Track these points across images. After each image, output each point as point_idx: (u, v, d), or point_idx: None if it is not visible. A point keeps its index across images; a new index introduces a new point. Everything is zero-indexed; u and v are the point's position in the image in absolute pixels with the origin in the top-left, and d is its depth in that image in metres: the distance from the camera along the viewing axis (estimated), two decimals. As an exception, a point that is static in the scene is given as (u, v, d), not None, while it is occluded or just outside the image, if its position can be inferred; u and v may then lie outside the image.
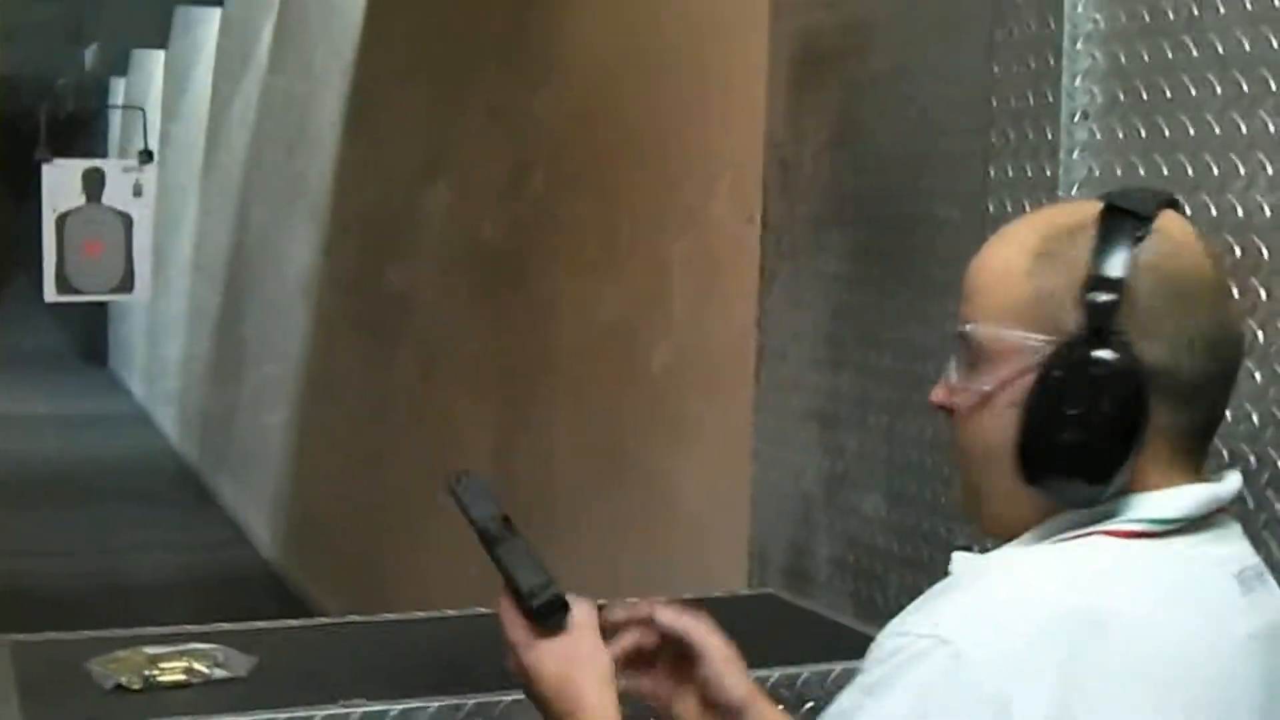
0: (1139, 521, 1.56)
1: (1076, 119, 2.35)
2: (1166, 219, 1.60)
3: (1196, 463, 1.62)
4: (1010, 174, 2.47)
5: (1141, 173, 2.22)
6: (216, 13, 12.39)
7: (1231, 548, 1.62)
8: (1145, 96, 2.23)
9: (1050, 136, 2.37)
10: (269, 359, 10.22)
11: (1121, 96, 2.28)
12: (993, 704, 1.44)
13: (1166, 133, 2.19)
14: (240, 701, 2.22)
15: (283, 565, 9.55)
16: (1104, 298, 1.55)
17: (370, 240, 7.94)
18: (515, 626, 1.80)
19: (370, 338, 7.85)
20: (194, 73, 13.44)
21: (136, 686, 2.25)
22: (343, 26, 8.33)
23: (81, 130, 16.95)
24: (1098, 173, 2.32)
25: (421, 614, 2.79)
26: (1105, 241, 1.58)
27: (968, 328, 1.63)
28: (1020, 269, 1.61)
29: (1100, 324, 1.55)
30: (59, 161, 7.15)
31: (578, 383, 5.14)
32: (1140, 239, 1.57)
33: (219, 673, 2.32)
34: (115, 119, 17.15)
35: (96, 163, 7.60)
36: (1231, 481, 1.64)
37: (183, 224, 13.73)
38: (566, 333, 5.24)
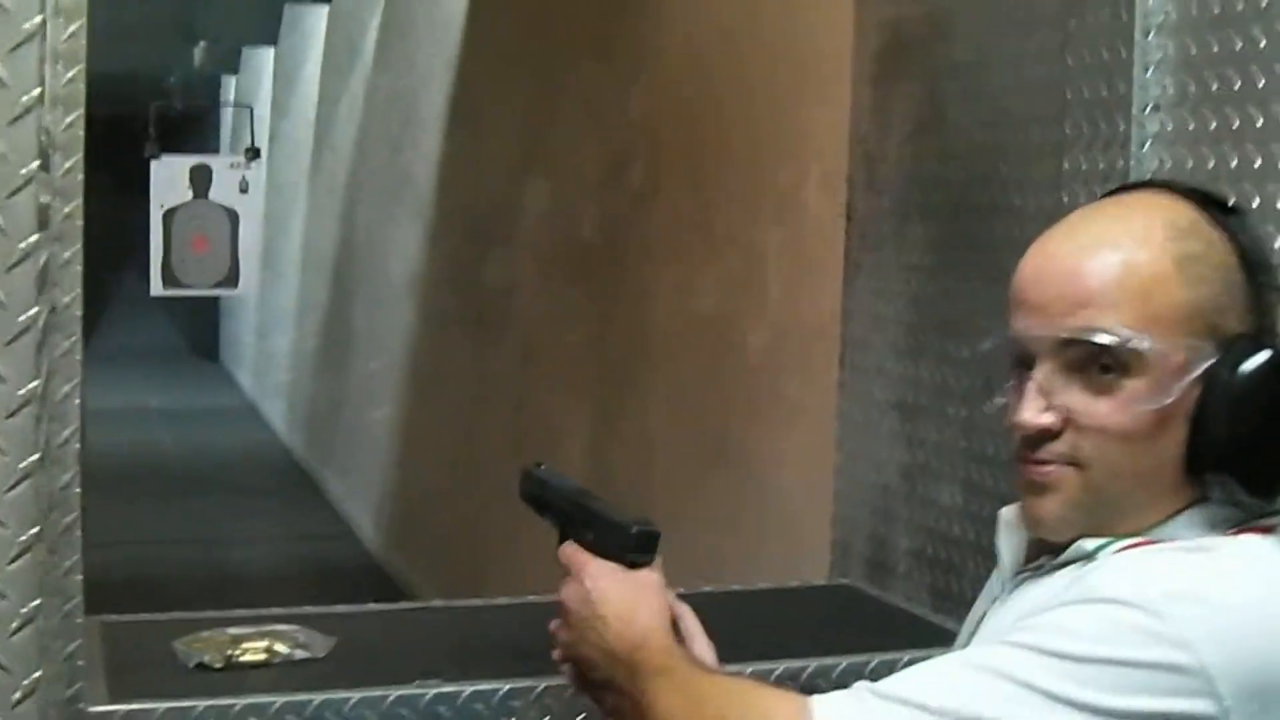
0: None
1: (1148, 110, 2.35)
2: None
3: None
4: (1084, 166, 2.47)
5: (1211, 165, 2.22)
6: (325, 10, 12.51)
7: None
8: (1215, 88, 2.23)
9: (1122, 128, 2.37)
10: (374, 353, 10.32)
11: (1192, 88, 2.28)
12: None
13: (1235, 124, 2.19)
14: (318, 681, 2.27)
15: (386, 557, 9.64)
16: (1273, 296, 1.57)
17: (472, 235, 8.00)
18: (584, 557, 1.84)
19: (472, 331, 7.92)
20: (302, 70, 13.58)
21: (218, 665, 2.31)
22: (446, 22, 8.40)
23: (194, 127, 17.15)
24: (1169, 164, 2.32)
25: (502, 599, 2.83)
26: (1239, 237, 1.58)
27: (1112, 338, 1.54)
28: (1167, 275, 1.55)
29: (1267, 321, 1.56)
30: (166, 158, 7.24)
31: (675, 372, 5.18)
32: (1253, 231, 1.61)
33: (299, 653, 2.37)
34: (227, 116, 17.36)
35: (203, 159, 7.71)
36: None
37: (292, 220, 13.88)
38: (662, 322, 5.28)
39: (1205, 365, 1.53)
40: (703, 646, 1.89)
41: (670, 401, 5.20)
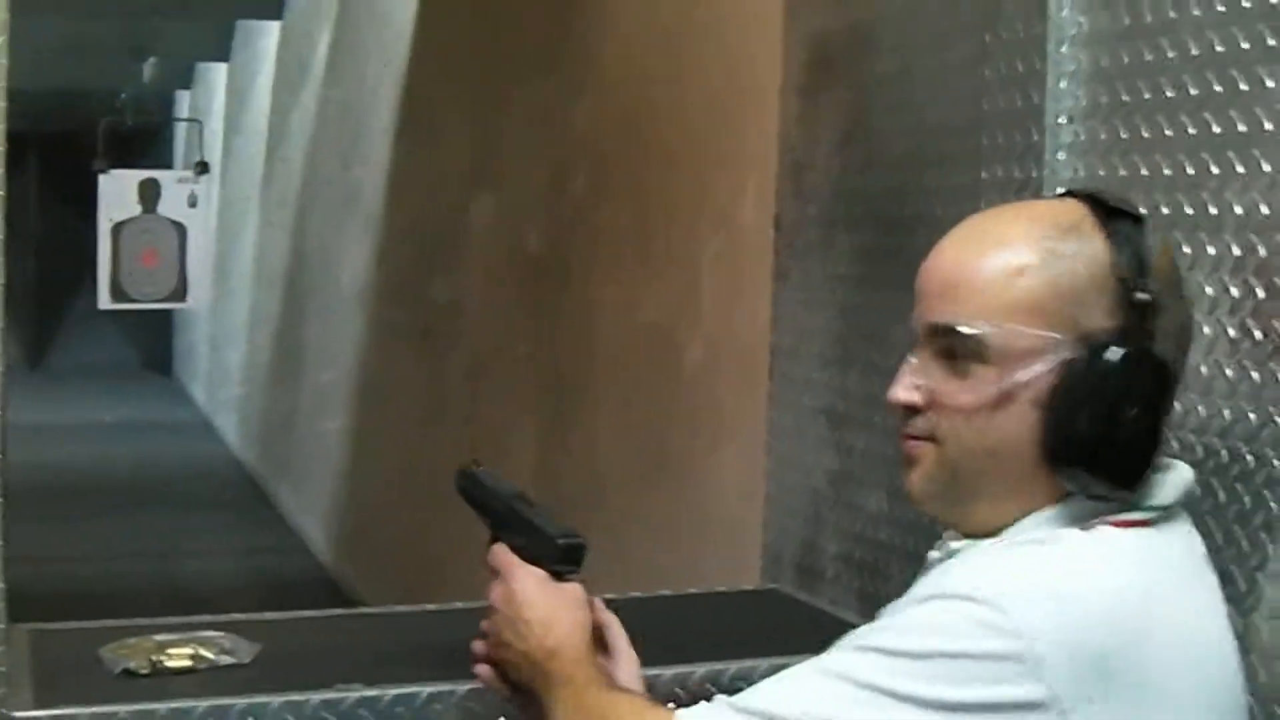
0: (1143, 510, 1.61)
1: (1062, 121, 2.40)
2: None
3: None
4: (1000, 175, 2.52)
5: (1123, 173, 2.26)
6: (276, 26, 12.52)
7: (1194, 533, 1.68)
8: (1126, 98, 2.27)
9: (1036, 138, 2.42)
10: (326, 366, 10.32)
11: (1104, 99, 2.32)
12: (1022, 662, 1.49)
13: (1145, 134, 2.23)
14: (241, 686, 2.29)
15: (337, 569, 9.64)
16: (1141, 296, 1.60)
17: (421, 248, 8.03)
18: (513, 562, 1.90)
19: (422, 344, 7.93)
20: (255, 85, 13.59)
21: (144, 671, 2.33)
22: (394, 37, 8.43)
23: (147, 143, 17.12)
24: (1082, 173, 2.36)
25: (430, 605, 2.86)
26: (1120, 240, 1.63)
27: (966, 326, 1.63)
28: (1028, 266, 1.62)
29: (1133, 322, 1.60)
30: (115, 172, 7.26)
31: (619, 384, 5.20)
32: (1142, 238, 1.63)
33: (225, 659, 2.39)
34: (180, 132, 17.33)
35: (152, 174, 7.71)
36: (1186, 468, 1.69)
37: (244, 234, 13.87)
38: (607, 335, 5.31)
39: (1061, 357, 1.59)
40: (626, 658, 1.95)
41: (615, 413, 5.22)
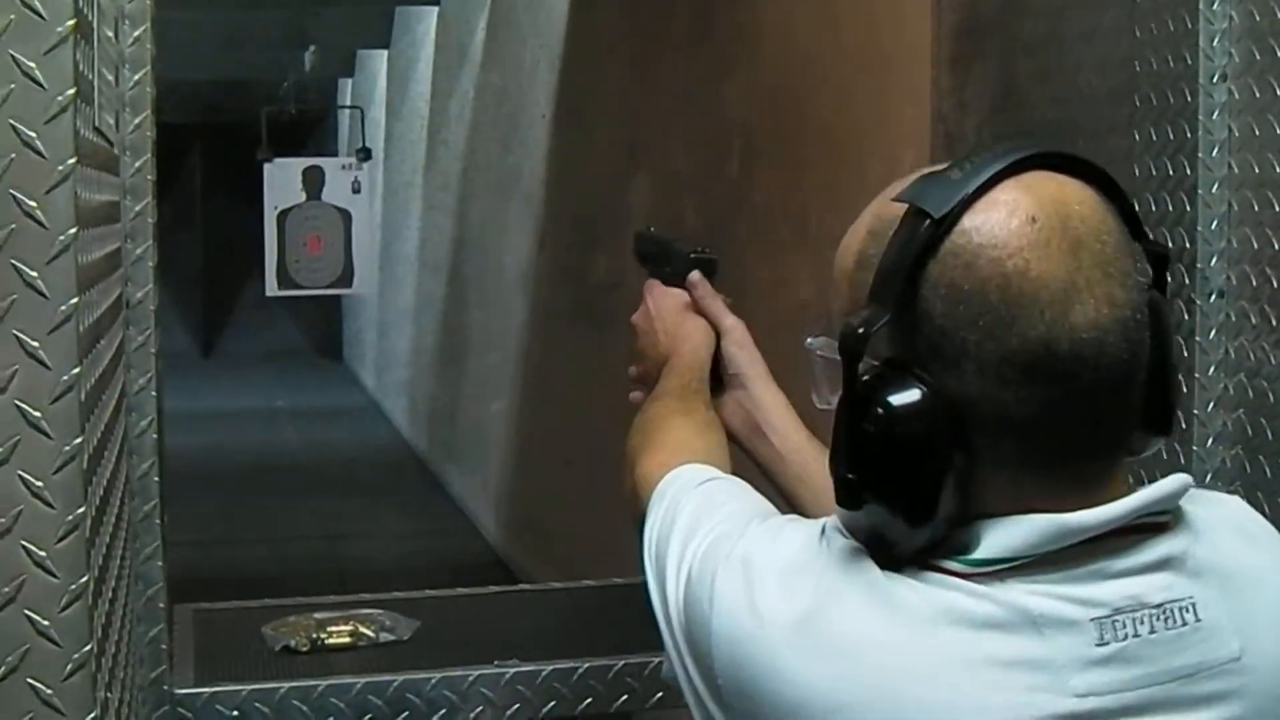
0: (963, 562, 1.35)
1: (1215, 80, 2.35)
2: (980, 211, 1.34)
3: (1076, 482, 1.37)
4: (1154, 137, 2.47)
5: (1278, 131, 2.22)
6: (434, 11, 12.61)
7: (1105, 587, 1.35)
8: (1279, 55, 2.23)
9: (1190, 99, 2.37)
10: (490, 349, 10.40)
11: (1257, 56, 2.27)
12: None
13: (1300, 91, 2.19)
14: (399, 662, 2.33)
15: (507, 552, 9.72)
16: (875, 328, 1.33)
17: (580, 230, 8.05)
18: (653, 284, 2.14)
19: (583, 326, 7.96)
20: (414, 71, 13.71)
21: (304, 649, 2.37)
22: (549, 19, 8.46)
23: (310, 131, 17.38)
24: (1236, 133, 2.31)
25: (588, 581, 2.88)
26: (894, 252, 1.34)
27: (807, 341, 1.50)
28: (845, 269, 1.43)
29: (888, 353, 1.35)
30: (279, 161, 7.37)
31: (774, 361, 5.19)
32: (930, 248, 1.33)
33: (384, 636, 2.43)
34: (343, 119, 17.54)
35: (316, 161, 7.81)
36: (1115, 507, 1.36)
37: (408, 219, 14.00)
38: (762, 313, 5.28)
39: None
40: (747, 357, 2.10)
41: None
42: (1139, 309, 1.36)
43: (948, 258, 1.32)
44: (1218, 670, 1.37)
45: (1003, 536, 1.34)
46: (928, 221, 1.33)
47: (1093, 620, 1.33)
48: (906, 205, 1.35)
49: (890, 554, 1.37)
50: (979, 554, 1.34)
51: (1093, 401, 1.34)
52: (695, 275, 2.13)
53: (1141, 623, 1.35)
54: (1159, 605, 1.36)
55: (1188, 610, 1.36)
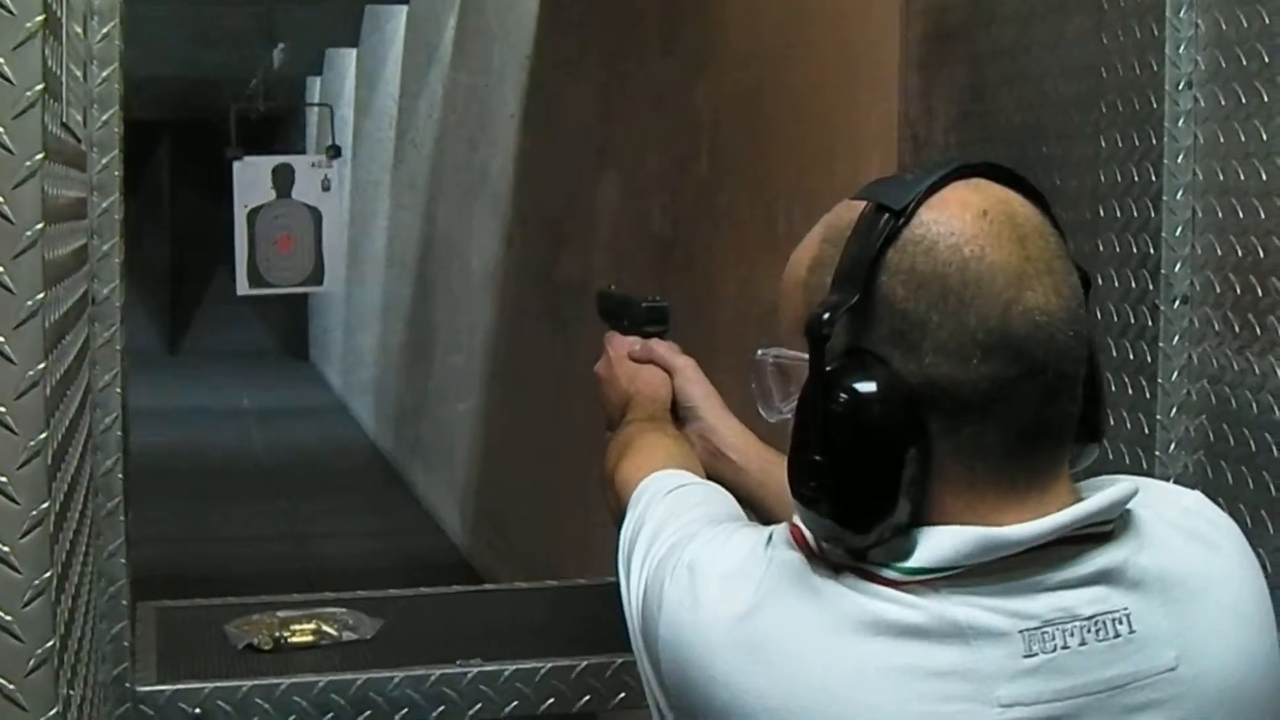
0: (898, 570, 1.37)
1: (1180, 86, 2.36)
2: (935, 206, 1.40)
3: (1025, 484, 1.40)
4: (1120, 143, 2.48)
5: (1242, 138, 2.23)
6: (404, 10, 12.61)
7: (1038, 600, 1.37)
8: (1245, 63, 2.24)
9: (1155, 105, 2.39)
10: (457, 349, 10.40)
11: (1223, 63, 2.29)
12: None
13: (1266, 98, 2.20)
14: (362, 661, 2.33)
15: (472, 552, 9.72)
16: (840, 313, 1.37)
17: (548, 230, 8.06)
18: (612, 334, 2.26)
19: (550, 326, 7.97)
20: (383, 70, 13.69)
21: (267, 647, 2.37)
22: (519, 20, 8.46)
23: (279, 129, 17.35)
24: (1202, 140, 2.33)
25: (550, 582, 2.88)
26: (855, 245, 1.40)
27: (757, 354, 1.52)
28: (798, 278, 1.47)
29: (849, 343, 1.38)
30: (249, 159, 7.35)
31: (742, 365, 5.20)
32: (891, 237, 1.38)
33: (347, 635, 2.43)
34: (311, 117, 17.51)
35: (285, 159, 7.79)
36: (1051, 520, 1.38)
37: (376, 218, 13.99)
38: (729, 314, 5.31)
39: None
40: (699, 391, 2.19)
41: (735, 391, 5.21)
42: (1081, 305, 1.42)
43: (908, 245, 1.38)
44: (1151, 680, 1.39)
45: (936, 547, 1.37)
46: (887, 215, 1.39)
47: (1021, 632, 1.36)
48: (859, 211, 1.42)
49: (835, 554, 1.40)
50: (913, 562, 1.37)
51: (1043, 384, 1.38)
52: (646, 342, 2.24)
53: (1071, 635, 1.37)
54: (1090, 617, 1.38)
55: (1121, 622, 1.39)
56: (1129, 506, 1.44)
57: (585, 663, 2.33)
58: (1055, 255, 1.41)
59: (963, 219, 1.38)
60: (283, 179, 7.52)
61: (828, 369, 1.38)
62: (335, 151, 7.69)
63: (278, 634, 2.39)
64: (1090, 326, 1.45)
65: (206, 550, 9.85)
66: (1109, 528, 1.42)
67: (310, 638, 2.41)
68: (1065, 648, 1.37)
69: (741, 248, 5.14)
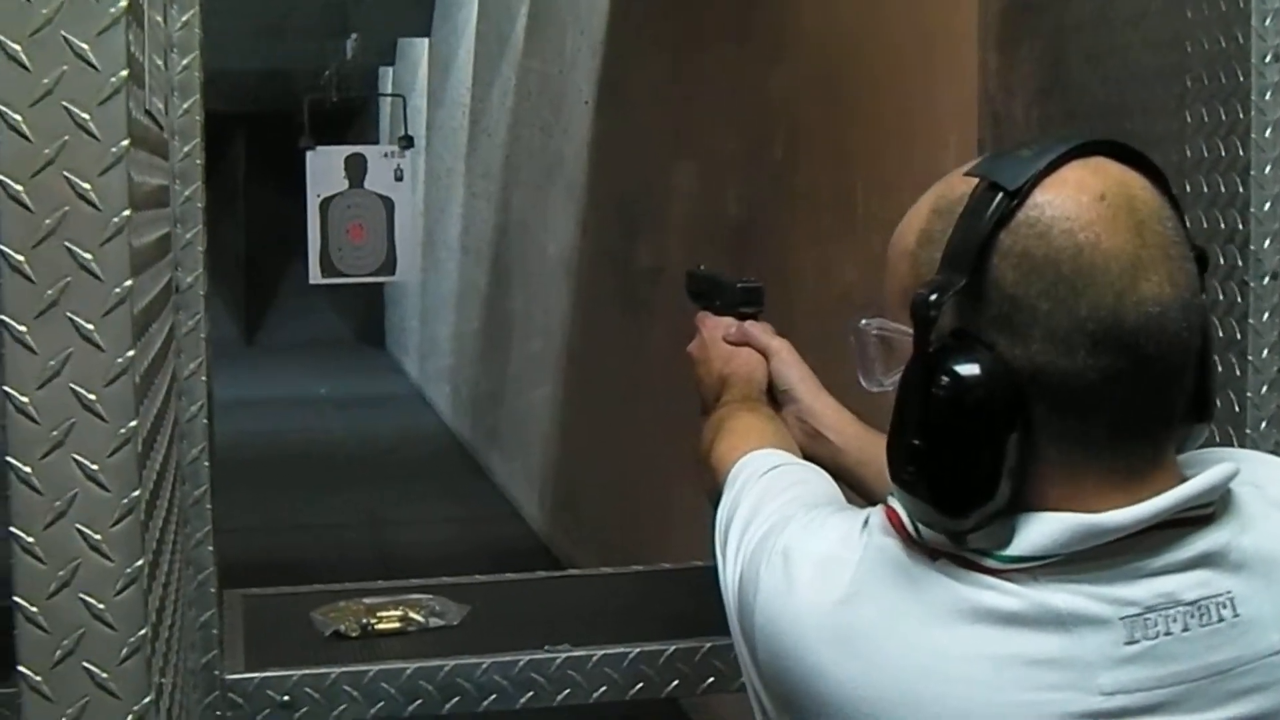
0: (997, 558, 1.36)
1: (1268, 60, 2.33)
2: (1051, 188, 1.36)
3: (1126, 470, 1.37)
4: (1206, 118, 2.45)
5: (1333, 112, 2.20)
6: (475, -1, 12.64)
7: (1139, 586, 1.36)
8: (1335, 34, 2.21)
9: (1242, 79, 2.35)
10: (534, 336, 10.41)
11: (1312, 35, 2.26)
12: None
13: (1355, 69, 2.17)
14: (449, 647, 2.33)
15: (550, 537, 9.73)
16: (948, 294, 1.34)
17: (623, 216, 8.05)
18: (705, 315, 2.22)
19: (626, 312, 7.96)
20: (456, 59, 13.72)
21: (354, 634, 2.38)
22: (591, 6, 8.45)
23: (353, 119, 17.41)
24: (1290, 114, 2.30)
25: (635, 567, 2.88)
26: (966, 224, 1.36)
27: (860, 323, 1.50)
28: (905, 247, 1.44)
29: (955, 324, 1.36)
30: (321, 149, 7.38)
31: (820, 347, 5.18)
32: (1004, 219, 1.35)
33: (434, 621, 2.43)
34: (384, 107, 17.57)
35: (358, 149, 7.82)
36: (1150, 505, 1.35)
37: (450, 207, 14.02)
38: (807, 299, 5.28)
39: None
40: (796, 373, 2.16)
41: (824, 378, 5.20)
42: (1196, 294, 1.38)
43: (1021, 228, 1.35)
44: (1255, 664, 1.37)
45: (1035, 534, 1.34)
46: (1001, 194, 1.35)
47: (1122, 619, 1.34)
48: (972, 185, 1.38)
49: (933, 539, 1.38)
50: (1012, 550, 1.35)
51: (1152, 377, 1.35)
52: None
53: (1174, 620, 1.35)
54: (1193, 602, 1.36)
55: (1225, 606, 1.37)
56: (1230, 486, 1.41)
57: (674, 648, 2.32)
58: (1173, 241, 1.37)
59: (1079, 202, 1.35)
60: (355, 169, 7.56)
61: (931, 350, 1.35)
62: (408, 142, 7.72)
63: (364, 621, 2.40)
64: (1205, 311, 1.42)
65: (286, 538, 9.90)
66: (1210, 510, 1.39)
67: (397, 625, 2.41)
68: (1168, 634, 1.35)
69: (818, 230, 5.11)
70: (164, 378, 1.61)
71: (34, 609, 1.24)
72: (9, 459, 1.24)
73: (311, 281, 7.03)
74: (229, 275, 20.36)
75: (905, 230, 1.45)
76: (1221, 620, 1.37)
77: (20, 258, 1.22)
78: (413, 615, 2.43)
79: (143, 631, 1.25)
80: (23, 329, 1.22)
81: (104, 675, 1.25)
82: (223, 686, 2.19)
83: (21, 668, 1.25)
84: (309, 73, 12.41)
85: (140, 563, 1.24)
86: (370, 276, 7.65)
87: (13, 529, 1.24)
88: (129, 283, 1.23)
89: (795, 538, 1.47)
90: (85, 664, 1.25)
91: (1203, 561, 1.38)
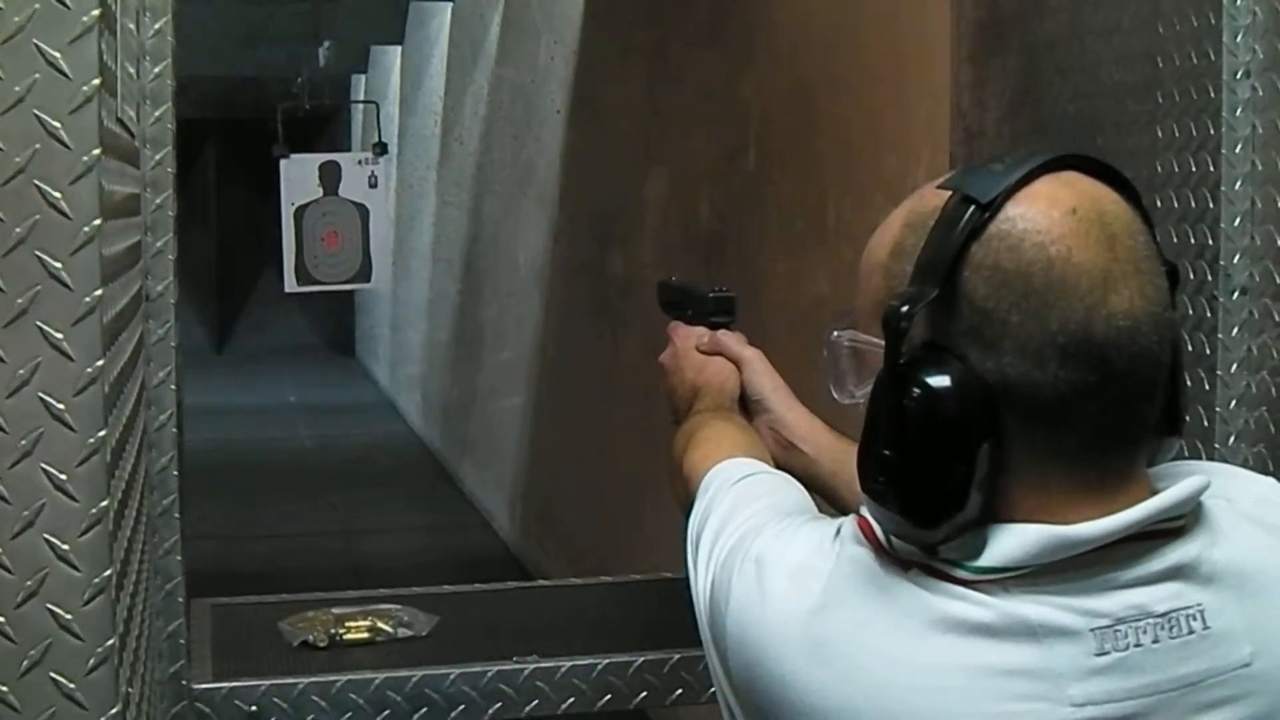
0: (968, 569, 1.36)
1: (1239, 76, 2.34)
2: (1023, 201, 1.36)
3: (1098, 482, 1.37)
4: (1177, 133, 2.46)
5: (1302, 128, 2.21)
6: (449, 7, 12.62)
7: (1110, 598, 1.36)
8: (1304, 51, 2.22)
9: (1213, 95, 2.36)
10: (505, 345, 10.40)
11: (1282, 52, 2.26)
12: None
13: (1326, 86, 2.18)
14: (418, 657, 2.32)
15: (520, 547, 9.72)
16: (919, 306, 1.34)
17: (595, 225, 8.05)
18: (677, 325, 2.22)
19: (598, 321, 7.96)
20: (428, 67, 13.71)
21: (322, 644, 2.37)
22: (564, 14, 8.45)
23: (325, 127, 17.37)
24: (1260, 129, 2.30)
25: (604, 578, 2.87)
26: (938, 236, 1.37)
27: (833, 335, 1.50)
28: (878, 260, 1.44)
29: (927, 336, 1.36)
30: (295, 157, 7.36)
31: (791, 358, 5.18)
32: (976, 232, 1.35)
33: (402, 631, 2.43)
34: (357, 115, 17.54)
35: (332, 156, 7.80)
36: (1121, 518, 1.36)
37: (422, 215, 14.01)
38: (779, 309, 5.29)
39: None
40: (769, 383, 2.15)
41: (796, 388, 5.20)
42: (1166, 308, 1.39)
43: (992, 241, 1.35)
44: (1225, 677, 1.38)
45: (1006, 545, 1.35)
46: (973, 207, 1.36)
47: (1093, 630, 1.35)
48: (945, 198, 1.39)
49: (904, 550, 1.39)
50: (983, 561, 1.35)
51: (1123, 390, 1.36)
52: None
53: (1144, 632, 1.36)
54: (1164, 614, 1.37)
55: (1195, 618, 1.37)
56: (1201, 499, 1.42)
57: (642, 659, 2.32)
58: (1144, 255, 1.38)
59: (1050, 216, 1.35)
60: (329, 176, 7.53)
61: (902, 362, 1.36)
62: (382, 148, 7.69)
63: (333, 631, 2.39)
64: (1175, 326, 1.43)
65: (255, 547, 9.87)
66: (1181, 523, 1.40)
67: (365, 635, 2.40)
68: (1138, 645, 1.35)
69: (790, 240, 5.12)
70: (133, 386, 1.60)
71: (1, 619, 1.24)
72: (-24, 468, 1.23)
73: (287, 290, 7.00)
74: (199, 282, 20.30)
75: (878, 243, 1.46)
76: (1192, 633, 1.37)
77: (-11, 266, 1.21)
78: (381, 625, 2.43)
79: (110, 642, 1.24)
80: (-9, 338, 1.22)
81: (71, 685, 1.25)
82: (190, 696, 2.18)
83: (-12, 678, 1.25)
84: (282, 80, 12.38)
85: (108, 573, 1.24)
86: (346, 284, 7.60)
87: (-20, 538, 1.24)
88: (99, 292, 1.22)
89: (767, 546, 1.47)
90: (52, 674, 1.24)
91: (1174, 574, 1.38)
